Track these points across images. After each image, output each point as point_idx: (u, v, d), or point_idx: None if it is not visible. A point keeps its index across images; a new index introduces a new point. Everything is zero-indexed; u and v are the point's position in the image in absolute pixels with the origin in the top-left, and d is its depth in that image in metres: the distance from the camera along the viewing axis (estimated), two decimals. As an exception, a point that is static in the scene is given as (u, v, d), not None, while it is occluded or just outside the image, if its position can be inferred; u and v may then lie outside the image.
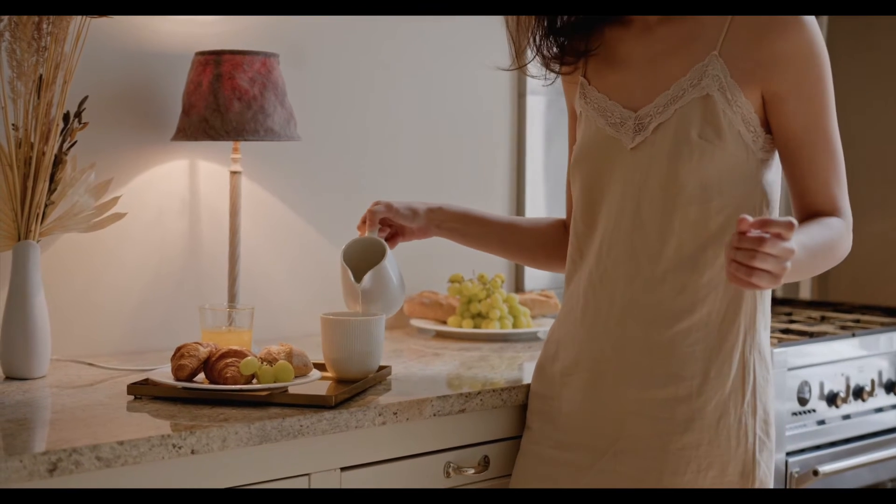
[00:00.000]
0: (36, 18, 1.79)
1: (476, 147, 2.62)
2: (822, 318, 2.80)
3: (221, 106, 2.01)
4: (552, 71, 1.74)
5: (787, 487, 2.28)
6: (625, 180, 1.65)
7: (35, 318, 1.81)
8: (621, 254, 1.65)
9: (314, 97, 2.33)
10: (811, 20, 1.60)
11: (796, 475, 2.29)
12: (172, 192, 2.17)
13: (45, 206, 1.84)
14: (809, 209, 1.64)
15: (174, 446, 1.43)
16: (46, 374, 1.83)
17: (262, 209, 2.28)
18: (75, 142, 1.87)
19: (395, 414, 1.65)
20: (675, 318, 1.62)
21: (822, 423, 2.38)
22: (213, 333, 1.90)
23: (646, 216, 1.63)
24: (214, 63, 2.03)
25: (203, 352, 1.69)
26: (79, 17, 1.84)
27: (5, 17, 1.78)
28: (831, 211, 1.63)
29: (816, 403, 2.37)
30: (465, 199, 2.52)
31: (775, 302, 3.20)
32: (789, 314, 2.89)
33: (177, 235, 2.17)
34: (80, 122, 1.87)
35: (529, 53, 1.73)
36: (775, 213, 1.68)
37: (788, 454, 2.28)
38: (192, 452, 1.44)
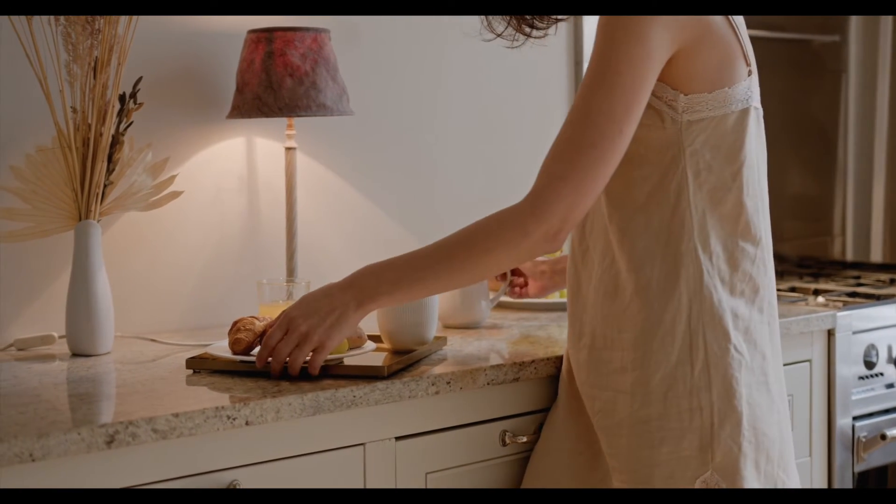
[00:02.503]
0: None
1: (532, 116, 2.61)
2: (892, 281, 2.75)
3: (274, 83, 2.02)
4: (524, 34, 1.70)
5: (855, 452, 2.24)
6: None
7: (98, 296, 1.85)
8: (574, 231, 1.65)
9: (367, 72, 2.34)
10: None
11: (864, 439, 2.25)
12: (229, 170, 2.19)
13: (105, 186, 1.88)
14: None
15: (228, 417, 1.45)
16: (111, 351, 1.88)
17: (319, 184, 2.30)
18: (131, 122, 1.90)
19: (448, 383, 1.66)
20: (614, 289, 1.58)
21: (890, 386, 2.34)
22: (270, 307, 1.93)
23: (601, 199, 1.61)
24: (266, 40, 2.04)
25: (259, 325, 1.72)
26: (131, -1, 1.87)
27: (60, 2, 1.82)
28: (533, 188, 1.50)
29: (884, 367, 2.33)
30: (523, 169, 2.51)
31: (845, 265, 3.15)
32: (858, 277, 2.85)
33: (235, 212, 2.20)
34: (135, 103, 1.90)
35: (500, 25, 1.68)
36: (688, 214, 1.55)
37: (855, 418, 2.25)
38: (247, 423, 1.47)
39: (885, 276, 2.82)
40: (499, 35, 1.70)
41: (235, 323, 1.73)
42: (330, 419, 1.56)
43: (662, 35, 1.47)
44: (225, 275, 2.19)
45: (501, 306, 2.31)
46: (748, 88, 1.57)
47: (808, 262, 3.19)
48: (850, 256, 3.34)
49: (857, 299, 2.43)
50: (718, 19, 1.53)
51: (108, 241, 2.03)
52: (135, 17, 1.87)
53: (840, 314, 2.22)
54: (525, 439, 1.75)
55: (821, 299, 2.41)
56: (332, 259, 2.31)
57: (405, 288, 1.55)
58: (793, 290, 2.60)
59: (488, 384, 1.70)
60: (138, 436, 1.38)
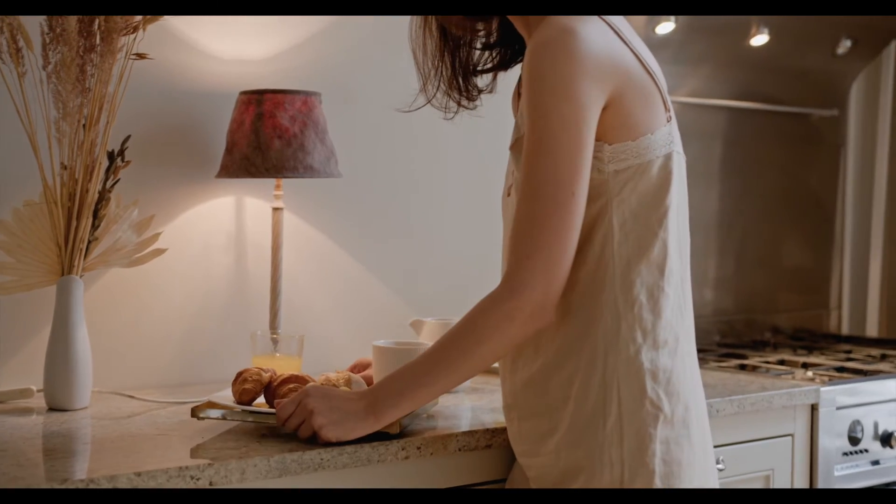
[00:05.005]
0: (80, 61, 1.85)
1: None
2: (883, 357, 2.74)
3: (262, 144, 2.05)
4: (456, 103, 1.74)
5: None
6: (507, 226, 1.65)
7: (77, 351, 1.86)
8: None
9: (358, 134, 2.37)
10: (545, 43, 1.46)
11: (847, 517, 2.23)
12: (218, 228, 2.21)
13: (89, 241, 1.90)
14: None
15: (192, 478, 1.45)
16: (88, 406, 1.88)
17: (307, 244, 2.31)
18: (118, 179, 1.93)
19: (418, 448, 1.65)
20: (534, 350, 1.57)
21: (876, 462, 2.33)
22: (264, 359, 1.94)
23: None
24: (257, 102, 2.07)
25: (265, 377, 1.72)
26: (122, 59, 1.90)
27: (52, 61, 1.85)
28: (506, 272, 1.50)
29: (870, 443, 2.32)
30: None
31: (839, 339, 3.14)
32: (849, 352, 2.83)
33: (222, 270, 2.22)
34: (123, 160, 1.93)
35: (431, 88, 1.71)
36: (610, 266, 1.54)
37: (838, 495, 2.23)
38: (210, 484, 1.47)
39: (877, 352, 2.81)
40: (429, 101, 1.72)
41: (241, 373, 1.73)
42: (296, 482, 1.56)
43: (590, 89, 1.47)
44: (208, 332, 2.20)
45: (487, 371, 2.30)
46: (669, 133, 1.57)
47: (802, 335, 3.18)
48: (845, 330, 3.33)
49: (845, 374, 2.42)
50: (635, 66, 1.53)
51: (93, 296, 2.04)
52: (125, 77, 1.90)
53: (824, 389, 2.20)
54: (495, 507, 1.74)
55: (809, 373, 2.40)
56: (316, 318, 2.32)
57: (409, 397, 1.56)
58: (782, 362, 2.59)
59: (460, 450, 1.70)
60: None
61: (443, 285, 2.49)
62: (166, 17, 2.08)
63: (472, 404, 1.96)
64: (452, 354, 1.53)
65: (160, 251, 2.00)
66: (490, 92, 1.76)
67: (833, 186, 3.35)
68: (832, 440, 2.22)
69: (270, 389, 1.71)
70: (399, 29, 2.10)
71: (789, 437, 2.16)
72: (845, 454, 2.26)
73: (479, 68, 1.75)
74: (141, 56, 1.93)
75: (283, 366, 1.92)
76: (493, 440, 1.73)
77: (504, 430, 1.74)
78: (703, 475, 1.56)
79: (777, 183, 3.16)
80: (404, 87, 2.41)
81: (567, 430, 1.54)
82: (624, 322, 1.52)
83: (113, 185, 1.92)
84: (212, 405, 1.69)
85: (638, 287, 1.53)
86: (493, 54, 1.75)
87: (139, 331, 2.13)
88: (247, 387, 1.70)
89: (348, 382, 1.74)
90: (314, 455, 1.56)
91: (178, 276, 2.17)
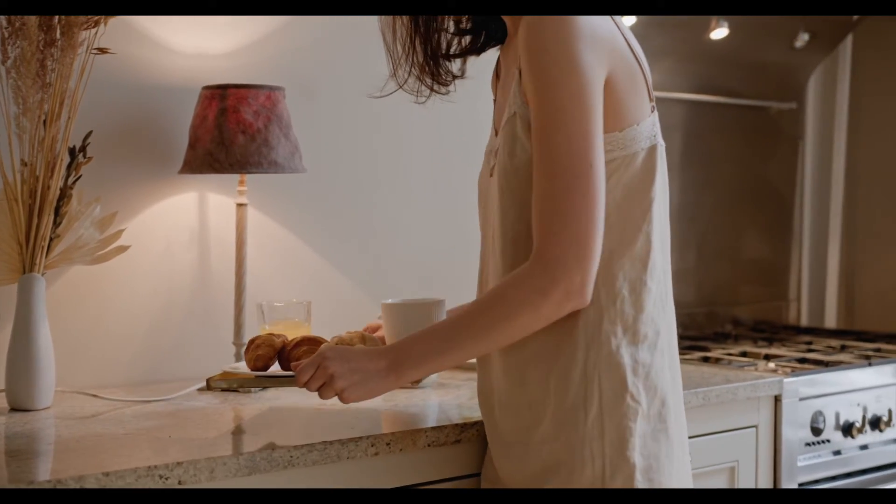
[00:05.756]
0: (40, 55, 1.82)
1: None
2: (843, 348, 2.77)
3: (226, 139, 2.03)
4: (429, 87, 1.71)
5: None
6: (489, 207, 1.63)
7: (39, 350, 1.84)
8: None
9: (323, 129, 2.36)
10: (545, 19, 1.44)
11: (810, 506, 2.25)
12: (181, 224, 2.19)
13: (50, 239, 1.87)
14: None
15: (161, 477, 1.44)
16: (51, 406, 1.86)
17: (271, 240, 2.30)
18: (80, 176, 1.90)
19: (387, 444, 1.65)
20: (521, 344, 1.54)
21: (837, 453, 2.35)
22: (272, 327, 1.96)
23: (495, 241, 1.59)
24: (220, 97, 2.05)
25: (277, 341, 1.73)
26: (83, 53, 1.87)
27: (11, 55, 1.82)
28: (535, 250, 1.46)
29: (832, 434, 2.34)
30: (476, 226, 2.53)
31: (799, 331, 3.17)
32: (809, 343, 2.86)
33: (186, 267, 2.20)
34: (84, 157, 1.91)
35: (402, 73, 1.68)
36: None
37: (801, 485, 2.25)
38: (179, 483, 1.45)
39: (836, 343, 2.84)
40: (400, 87, 1.69)
41: (252, 341, 1.75)
42: (266, 479, 1.55)
43: (593, 61, 1.45)
44: (172, 329, 2.18)
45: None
46: (653, 125, 1.56)
47: (762, 327, 3.21)
48: (804, 322, 3.37)
49: (807, 365, 2.44)
50: (625, 49, 1.52)
51: (55, 294, 2.02)
52: (87, 71, 1.88)
53: (787, 380, 2.23)
54: (465, 502, 1.74)
55: (770, 365, 2.42)
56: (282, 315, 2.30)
57: (431, 361, 1.54)
58: (744, 354, 2.62)
59: (429, 446, 1.70)
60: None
61: (408, 279, 2.48)
62: (127, 11, 2.06)
63: (440, 399, 1.96)
64: (479, 324, 1.50)
65: (123, 248, 1.98)
66: (462, 77, 1.73)
67: (791, 179, 3.38)
68: (795, 431, 2.24)
69: (284, 354, 1.71)
70: (363, 22, 2.09)
71: (753, 429, 2.18)
72: (808, 444, 2.28)
73: (451, 52, 1.71)
74: (102, 51, 1.91)
75: (292, 332, 1.92)
76: (462, 435, 1.73)
77: (473, 424, 1.74)
78: (681, 470, 1.57)
79: (736, 175, 3.19)
80: (369, 80, 2.40)
81: (549, 423, 1.53)
82: (606, 316, 1.51)
83: (74, 182, 1.90)
84: (227, 375, 1.68)
85: (621, 281, 1.52)
86: (466, 39, 1.73)
87: (102, 329, 2.10)
88: (260, 353, 1.70)
89: (363, 340, 1.74)
90: (283, 453, 1.55)
91: (141, 274, 2.14)
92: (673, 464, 1.54)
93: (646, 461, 1.51)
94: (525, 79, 1.50)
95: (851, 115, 3.38)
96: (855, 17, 3.26)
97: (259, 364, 1.70)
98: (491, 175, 1.64)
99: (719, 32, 3.00)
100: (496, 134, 1.64)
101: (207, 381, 1.68)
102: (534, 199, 1.48)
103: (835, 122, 3.41)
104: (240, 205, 2.14)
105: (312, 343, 1.71)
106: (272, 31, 2.28)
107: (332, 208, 2.38)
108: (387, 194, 2.47)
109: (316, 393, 1.58)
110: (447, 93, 1.72)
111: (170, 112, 2.16)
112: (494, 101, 1.73)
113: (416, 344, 1.55)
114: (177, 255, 2.19)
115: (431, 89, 1.70)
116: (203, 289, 2.22)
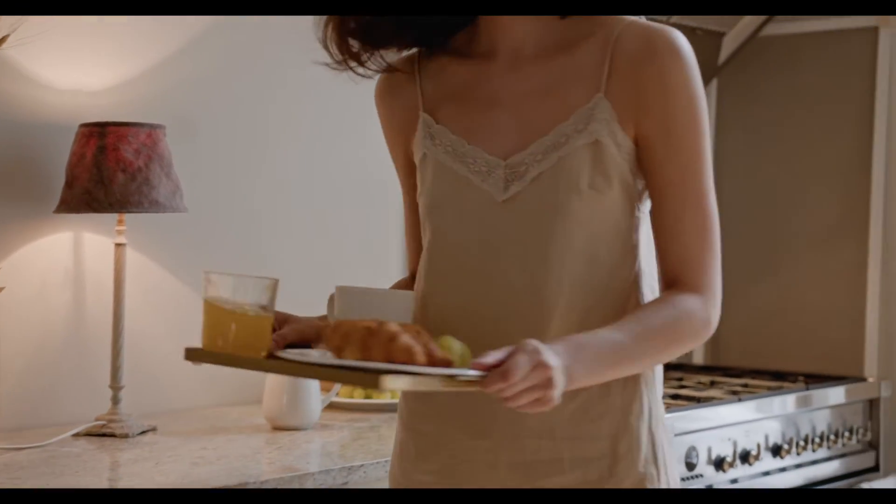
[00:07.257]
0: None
1: (368, 212, 2.63)
2: (712, 383, 2.85)
3: (105, 178, 1.99)
4: (353, 70, 1.51)
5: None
6: (489, 237, 1.43)
7: None
8: (480, 318, 1.43)
9: (204, 168, 2.33)
10: (687, 52, 1.43)
11: (685, 540, 2.31)
12: (56, 265, 2.14)
13: (-81, 280, 1.80)
14: (670, 277, 1.44)
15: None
16: (-82, 454, 1.79)
17: (151, 281, 2.25)
18: (-49, 215, 1.84)
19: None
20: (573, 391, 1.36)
21: (709, 487, 2.42)
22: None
23: (516, 276, 1.42)
24: (99, 135, 2.02)
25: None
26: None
27: None
28: (693, 281, 1.43)
29: (704, 468, 2.41)
30: (359, 264, 2.53)
31: (668, 367, 3.25)
32: (680, 379, 2.94)
33: (60, 309, 2.14)
34: (-44, 195, 1.84)
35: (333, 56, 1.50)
36: (644, 278, 1.47)
37: (677, 520, 2.31)
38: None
39: (706, 379, 2.92)
40: (334, 67, 1.50)
41: (338, 326, 1.39)
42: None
43: None
44: (47, 374, 2.12)
45: (331, 406, 2.29)
46: None
47: (634, 363, 3.28)
48: (672, 359, 3.45)
49: (679, 401, 2.51)
50: None
51: (-80, 337, 1.94)
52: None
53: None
54: (353, 546, 1.73)
55: (645, 401, 2.47)
56: (161, 358, 2.26)
57: (603, 372, 1.38)
58: (619, 391, 2.67)
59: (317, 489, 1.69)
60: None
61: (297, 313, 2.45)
62: None
63: (319, 443, 1.95)
64: (657, 345, 1.41)
65: (-4, 289, 1.92)
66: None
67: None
68: (670, 466, 2.29)
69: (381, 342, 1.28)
70: (244, 58, 2.08)
71: (631, 465, 2.22)
72: (683, 479, 2.34)
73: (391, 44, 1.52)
74: (-24, 86, 1.86)
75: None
76: (350, 477, 1.72)
77: (360, 467, 1.73)
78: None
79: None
80: (251, 118, 2.40)
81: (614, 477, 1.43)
82: (652, 374, 1.48)
83: (-55, 221, 1.83)
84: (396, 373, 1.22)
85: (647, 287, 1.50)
86: (413, 31, 1.52)
87: (-29, 373, 2.03)
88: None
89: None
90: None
91: (13, 315, 2.07)
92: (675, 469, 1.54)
93: (667, 468, 1.47)
94: (670, 107, 1.43)
95: (715, 156, 3.51)
96: (719, 61, 3.39)
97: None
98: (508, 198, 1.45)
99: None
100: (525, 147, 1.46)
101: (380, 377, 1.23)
102: (684, 232, 1.44)
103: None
104: (118, 244, 2.09)
105: (412, 330, 1.30)
106: (151, 67, 2.26)
107: (214, 247, 2.35)
108: (269, 231, 2.45)
109: (208, 437, 1.49)
110: (365, 76, 1.53)
111: (45, 150, 2.10)
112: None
113: (591, 351, 1.36)
114: (51, 296, 2.13)
115: (360, 75, 1.52)
116: (78, 331, 2.16)
